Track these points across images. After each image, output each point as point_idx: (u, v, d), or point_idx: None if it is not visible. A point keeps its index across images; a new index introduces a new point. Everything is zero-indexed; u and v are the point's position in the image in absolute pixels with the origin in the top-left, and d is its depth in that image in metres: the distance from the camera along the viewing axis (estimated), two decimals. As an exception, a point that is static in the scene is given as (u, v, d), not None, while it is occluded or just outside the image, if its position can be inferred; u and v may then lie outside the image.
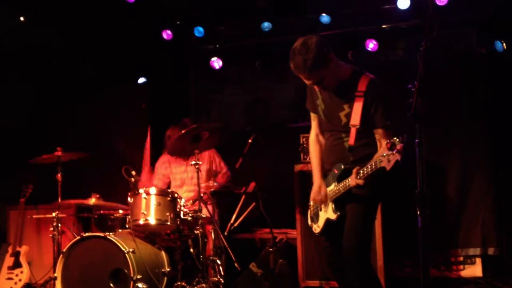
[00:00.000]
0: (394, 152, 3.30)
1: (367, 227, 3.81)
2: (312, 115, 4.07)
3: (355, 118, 3.69)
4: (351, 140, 3.72)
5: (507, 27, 5.84)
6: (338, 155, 3.84)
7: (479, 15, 5.94)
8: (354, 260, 3.71)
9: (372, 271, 3.89)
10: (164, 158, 6.09)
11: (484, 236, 5.63)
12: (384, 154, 3.35)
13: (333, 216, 3.81)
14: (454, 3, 5.72)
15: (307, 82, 3.77)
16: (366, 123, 3.70)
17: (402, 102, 3.16)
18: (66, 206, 5.76)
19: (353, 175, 3.59)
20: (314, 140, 4.08)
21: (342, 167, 3.78)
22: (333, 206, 3.81)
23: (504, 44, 5.85)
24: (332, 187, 3.83)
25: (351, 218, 3.75)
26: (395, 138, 3.32)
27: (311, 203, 4.05)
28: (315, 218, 3.99)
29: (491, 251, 5.61)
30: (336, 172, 3.82)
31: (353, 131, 3.72)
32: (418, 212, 2.91)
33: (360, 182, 3.56)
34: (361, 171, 3.56)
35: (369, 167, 3.51)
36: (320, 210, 3.94)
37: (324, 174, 3.98)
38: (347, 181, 3.68)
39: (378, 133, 3.73)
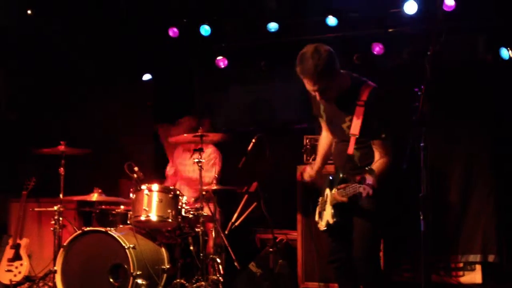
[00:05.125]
0: (364, 186, 3.41)
1: (375, 240, 3.88)
2: (320, 119, 4.10)
3: (355, 128, 3.69)
4: (350, 149, 3.74)
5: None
6: (343, 162, 3.87)
7: (486, 22, 5.93)
8: (365, 270, 3.80)
9: (382, 279, 3.95)
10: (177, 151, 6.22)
11: (485, 243, 5.62)
12: (361, 186, 3.45)
13: (331, 220, 3.88)
14: (461, 9, 5.72)
15: (310, 87, 3.72)
16: (366, 132, 3.70)
17: (407, 106, 3.17)
18: (68, 202, 5.76)
19: (339, 192, 3.71)
20: (324, 136, 4.17)
21: (340, 175, 3.83)
22: (332, 211, 3.86)
23: (510, 52, 5.84)
24: (334, 191, 3.85)
25: (359, 232, 3.81)
26: (367, 169, 3.44)
27: (320, 199, 4.09)
28: (321, 215, 4.05)
29: (491, 258, 5.59)
30: (336, 178, 3.87)
31: (352, 140, 3.73)
32: (422, 217, 2.91)
33: (344, 199, 3.68)
34: (345, 191, 3.65)
35: (351, 188, 3.59)
36: (324, 210, 3.98)
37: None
38: (334, 193, 3.78)
39: (375, 143, 3.73)
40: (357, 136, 3.69)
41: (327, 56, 3.59)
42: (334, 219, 3.83)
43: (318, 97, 3.77)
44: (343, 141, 3.83)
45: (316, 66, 3.57)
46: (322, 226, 4.02)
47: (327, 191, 3.95)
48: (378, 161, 3.69)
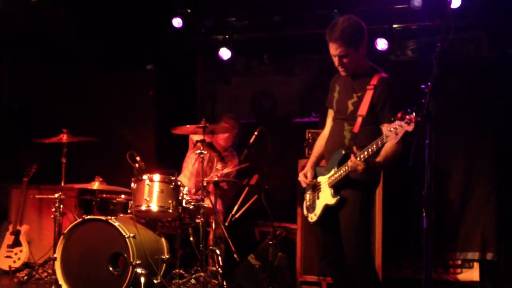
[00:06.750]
0: (403, 123, 3.19)
1: (365, 214, 3.82)
2: (329, 111, 4.12)
3: (363, 108, 3.77)
4: (356, 128, 3.78)
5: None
6: (338, 142, 3.88)
7: (491, 20, 5.93)
8: (357, 269, 3.77)
9: (374, 268, 3.92)
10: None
11: (483, 241, 5.65)
12: (391, 128, 3.28)
13: (332, 201, 3.79)
14: (466, 7, 5.70)
15: (333, 51, 3.79)
16: (372, 114, 3.76)
17: (410, 102, 3.16)
18: (69, 189, 5.76)
19: (352, 157, 3.58)
20: (324, 135, 4.13)
21: (343, 152, 3.79)
22: (332, 191, 3.81)
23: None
24: (332, 172, 3.83)
25: (348, 206, 3.76)
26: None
27: (307, 194, 4.06)
28: (311, 208, 4.00)
29: (489, 256, 5.62)
30: (336, 157, 3.83)
31: (359, 120, 3.78)
32: (424, 214, 2.91)
33: (360, 164, 3.55)
34: (362, 154, 3.57)
35: (370, 148, 3.52)
36: (318, 198, 3.94)
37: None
38: (347, 164, 3.67)
39: (384, 128, 3.71)
40: (364, 116, 3.75)
41: (356, 25, 3.77)
42: (337, 197, 3.75)
43: (336, 63, 3.84)
44: (343, 120, 3.88)
45: (342, 29, 3.72)
46: (314, 217, 3.95)
47: (320, 178, 3.93)
48: (390, 143, 3.62)
